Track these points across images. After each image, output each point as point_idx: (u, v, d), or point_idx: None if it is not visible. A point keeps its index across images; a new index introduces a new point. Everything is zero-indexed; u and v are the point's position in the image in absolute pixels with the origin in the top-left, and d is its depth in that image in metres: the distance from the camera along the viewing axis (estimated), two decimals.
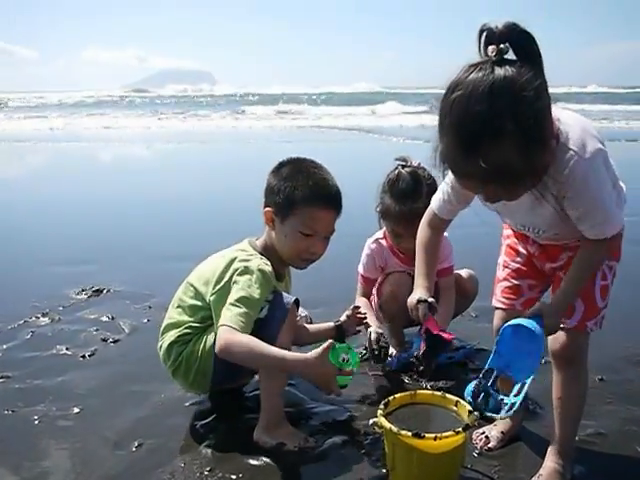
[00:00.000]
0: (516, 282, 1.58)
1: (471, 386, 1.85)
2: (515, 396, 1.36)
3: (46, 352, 2.30)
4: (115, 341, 2.41)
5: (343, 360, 1.60)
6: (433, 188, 1.95)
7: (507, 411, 1.36)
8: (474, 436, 1.69)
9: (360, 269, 2.25)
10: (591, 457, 1.61)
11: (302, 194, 1.64)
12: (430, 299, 1.54)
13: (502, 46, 1.06)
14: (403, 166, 2.06)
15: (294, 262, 1.76)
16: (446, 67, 1.12)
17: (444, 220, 1.57)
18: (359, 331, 2.08)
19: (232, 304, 1.57)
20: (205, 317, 1.69)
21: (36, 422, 1.80)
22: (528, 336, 1.31)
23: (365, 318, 2.03)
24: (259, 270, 1.62)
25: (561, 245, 1.46)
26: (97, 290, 2.97)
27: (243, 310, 1.56)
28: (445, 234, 2.13)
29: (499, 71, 1.05)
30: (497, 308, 1.62)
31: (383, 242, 2.22)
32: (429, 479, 1.46)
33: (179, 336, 1.70)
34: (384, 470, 1.52)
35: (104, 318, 2.64)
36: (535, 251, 1.53)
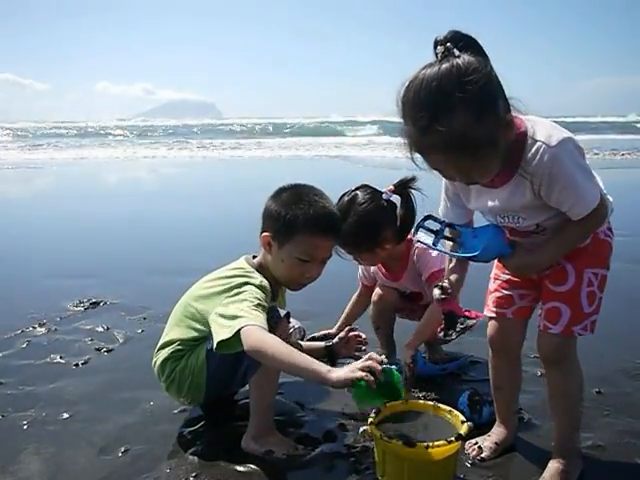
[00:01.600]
0: (507, 292, 1.60)
1: (464, 397, 1.83)
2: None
3: (40, 360, 2.30)
4: (108, 350, 2.41)
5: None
6: (362, 218, 1.92)
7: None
8: (467, 446, 1.65)
9: (358, 276, 2.34)
10: (589, 469, 1.57)
11: (302, 222, 1.64)
12: (443, 282, 1.50)
13: (448, 44, 1.19)
14: (359, 188, 2.01)
15: (289, 285, 1.77)
16: None
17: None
18: (356, 356, 1.97)
19: (244, 304, 1.52)
20: (199, 336, 1.67)
21: (25, 427, 1.79)
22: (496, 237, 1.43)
23: (365, 343, 1.98)
24: (260, 284, 1.61)
25: None
26: (94, 302, 3.00)
27: (256, 304, 1.52)
28: None
29: (445, 62, 1.17)
30: (490, 318, 1.64)
31: None
32: None
33: (172, 352, 1.69)
34: (374, 478, 1.49)
35: (99, 329, 2.65)
36: None
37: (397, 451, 1.38)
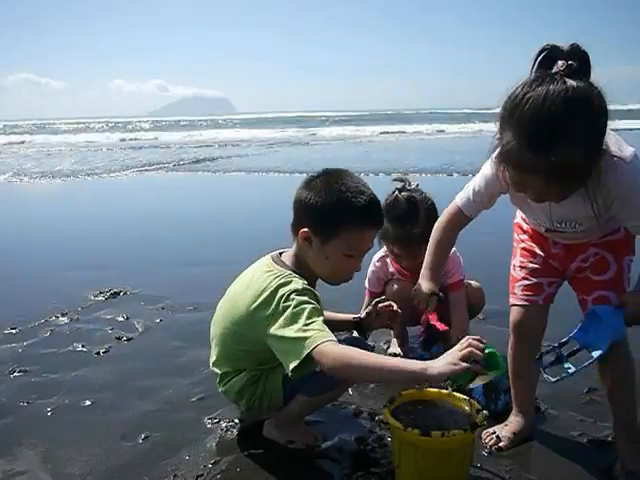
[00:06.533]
0: (536, 280, 1.59)
1: (480, 385, 1.81)
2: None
3: (63, 349, 2.37)
4: (128, 339, 2.46)
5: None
6: (430, 212, 1.98)
7: (562, 377, 1.39)
8: (484, 435, 1.64)
9: (366, 283, 2.27)
10: (604, 458, 1.55)
11: (348, 215, 1.49)
12: (441, 294, 1.54)
13: (571, 62, 1.14)
14: (400, 189, 2.04)
15: (332, 281, 1.62)
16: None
17: (467, 217, 1.56)
18: (389, 325, 1.89)
19: (300, 322, 1.39)
20: (263, 358, 1.58)
21: (49, 413, 1.84)
22: (609, 319, 1.35)
23: (397, 313, 1.76)
24: (305, 289, 1.47)
25: (585, 243, 1.48)
26: (114, 292, 3.06)
27: (318, 319, 1.41)
28: (454, 249, 2.11)
29: (572, 81, 1.13)
30: (519, 305, 1.61)
31: (388, 259, 2.21)
32: (436, 477, 1.42)
33: (247, 380, 1.62)
34: (390, 467, 1.49)
35: (119, 318, 2.71)
36: (559, 251, 1.54)
37: (413, 440, 1.38)
